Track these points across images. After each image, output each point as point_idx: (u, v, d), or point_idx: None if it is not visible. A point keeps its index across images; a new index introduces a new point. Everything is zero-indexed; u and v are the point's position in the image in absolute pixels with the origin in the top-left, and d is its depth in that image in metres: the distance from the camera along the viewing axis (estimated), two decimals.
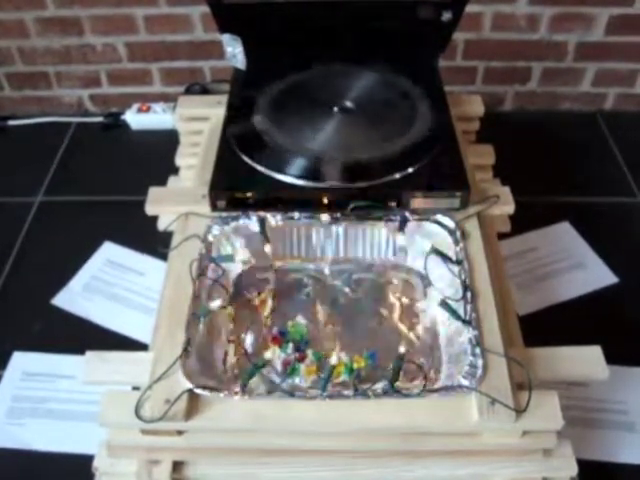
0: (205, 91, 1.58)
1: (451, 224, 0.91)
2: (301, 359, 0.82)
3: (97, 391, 0.76)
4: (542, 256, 1.25)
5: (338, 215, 0.92)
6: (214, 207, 0.92)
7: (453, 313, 0.82)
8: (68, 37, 1.52)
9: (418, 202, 0.91)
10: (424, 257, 0.90)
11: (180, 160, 1.15)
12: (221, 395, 0.74)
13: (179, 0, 1.46)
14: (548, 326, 1.08)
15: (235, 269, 0.94)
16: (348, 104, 1.03)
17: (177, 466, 0.78)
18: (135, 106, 1.59)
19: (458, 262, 0.87)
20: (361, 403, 0.74)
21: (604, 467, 0.96)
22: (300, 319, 0.88)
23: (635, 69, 1.55)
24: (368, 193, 0.91)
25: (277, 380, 0.79)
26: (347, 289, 0.94)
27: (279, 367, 0.82)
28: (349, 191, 0.91)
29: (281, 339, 0.85)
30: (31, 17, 1.48)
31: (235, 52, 1.10)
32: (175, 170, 1.16)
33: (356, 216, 0.92)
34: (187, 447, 0.77)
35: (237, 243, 0.93)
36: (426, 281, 0.90)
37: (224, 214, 0.93)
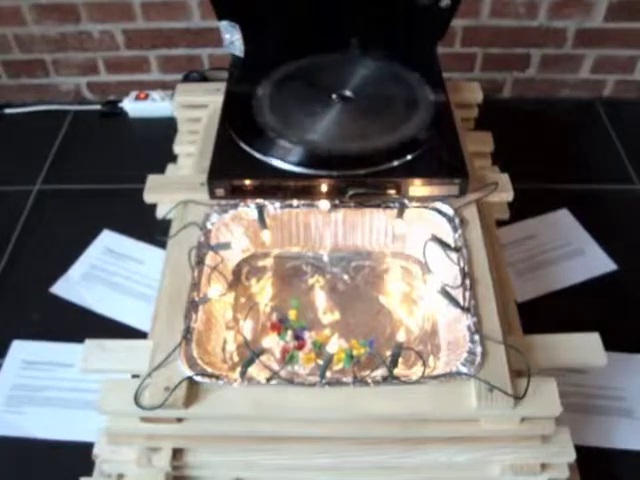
0: (203, 79, 1.57)
1: (450, 211, 0.91)
2: (300, 347, 0.83)
3: (96, 379, 0.76)
4: (541, 243, 1.25)
5: (337, 202, 0.92)
6: (213, 195, 0.92)
7: (452, 300, 0.82)
8: (65, 24, 1.51)
9: (417, 189, 0.91)
10: (423, 244, 0.90)
11: (178, 148, 1.15)
12: (220, 382, 0.74)
13: None
14: (547, 313, 1.08)
15: (234, 257, 0.94)
16: (347, 92, 1.02)
17: (177, 453, 0.78)
18: (133, 94, 1.59)
19: (457, 249, 0.87)
20: (360, 390, 0.74)
21: (602, 453, 0.96)
22: (299, 307, 0.88)
23: (635, 56, 1.54)
24: (367, 180, 0.91)
25: (276, 367, 0.79)
26: (346, 276, 0.94)
27: (278, 355, 0.82)
28: (348, 178, 0.91)
29: (280, 326, 0.85)
30: (27, 4, 1.47)
31: (233, 39, 1.10)
32: (173, 158, 1.16)
33: (355, 203, 0.92)
34: (187, 434, 0.77)
35: (236, 231, 0.93)
36: (425, 268, 0.91)
37: (223, 202, 0.92)
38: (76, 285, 1.21)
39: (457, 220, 0.90)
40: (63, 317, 1.16)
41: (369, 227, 0.95)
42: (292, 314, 0.87)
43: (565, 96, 1.62)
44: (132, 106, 1.58)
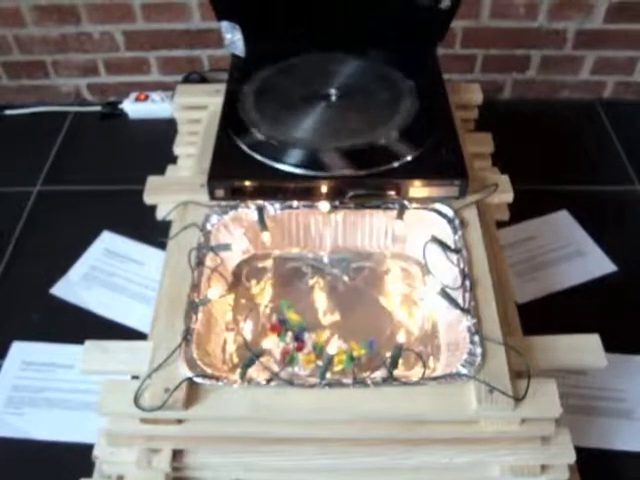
0: (203, 80, 1.57)
1: (450, 212, 0.91)
2: (300, 348, 0.83)
3: (96, 380, 0.76)
4: (541, 244, 1.25)
5: (337, 204, 0.92)
6: (212, 196, 0.92)
7: (452, 301, 0.82)
8: (65, 25, 1.51)
9: (417, 190, 0.91)
10: (423, 245, 0.90)
11: (178, 149, 1.15)
12: (220, 384, 0.74)
13: None
14: (547, 314, 1.09)
15: (234, 258, 0.94)
16: (347, 92, 1.02)
17: (177, 454, 0.78)
18: (133, 95, 1.59)
19: (457, 250, 0.87)
20: (360, 391, 0.74)
21: (602, 454, 0.96)
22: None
23: (634, 57, 1.54)
24: (367, 181, 0.91)
25: (276, 369, 0.79)
26: (346, 277, 0.94)
27: (278, 356, 0.82)
28: (348, 180, 0.91)
29: (280, 327, 0.85)
30: (27, 5, 1.47)
31: (234, 39, 1.10)
32: (173, 159, 1.15)
33: (355, 205, 0.92)
34: (186, 436, 0.77)
35: (236, 232, 0.93)
36: (425, 269, 0.90)
37: (223, 203, 0.92)
38: (76, 286, 1.21)
39: (457, 221, 0.90)
40: (63, 318, 1.16)
41: (369, 228, 0.95)
42: (292, 315, 0.86)
43: (565, 97, 1.62)
44: (132, 107, 1.58)
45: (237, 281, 0.93)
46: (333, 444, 0.78)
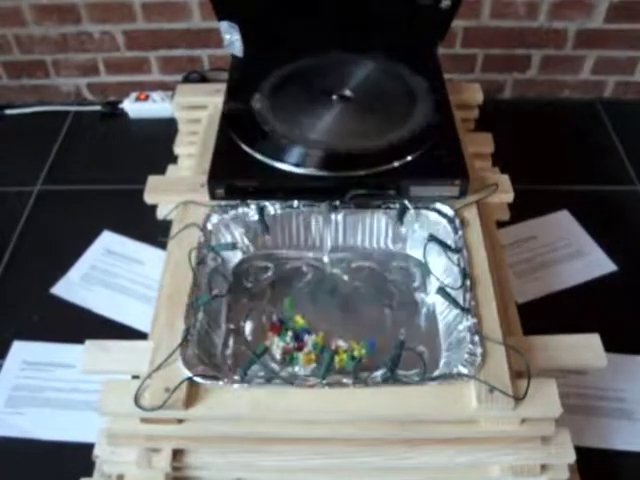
0: (203, 79, 1.57)
1: (450, 212, 0.91)
2: (300, 348, 0.82)
3: (97, 380, 0.76)
4: (541, 244, 1.25)
5: (337, 203, 0.92)
6: (213, 196, 0.92)
7: (452, 301, 0.82)
8: (65, 25, 1.51)
9: (417, 190, 0.91)
10: (423, 245, 0.90)
11: (179, 149, 1.15)
12: (220, 383, 0.74)
13: None
14: (547, 314, 1.08)
15: (234, 258, 0.94)
16: (347, 92, 1.03)
17: (177, 454, 0.78)
18: (133, 95, 1.59)
19: (457, 250, 0.87)
20: (360, 391, 0.74)
21: (602, 454, 0.96)
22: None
23: (635, 57, 1.54)
24: (367, 181, 0.90)
25: (276, 368, 0.79)
26: (346, 277, 0.94)
27: (278, 356, 0.82)
28: (348, 179, 0.90)
29: (280, 327, 0.85)
30: (28, 4, 1.47)
31: (233, 40, 1.10)
32: (174, 159, 1.16)
33: (355, 204, 0.92)
34: (187, 435, 0.77)
35: (236, 232, 0.93)
36: (425, 269, 0.91)
37: (223, 203, 0.92)
38: (76, 286, 1.21)
39: (457, 221, 0.90)
40: (63, 318, 1.16)
41: (369, 228, 0.95)
42: (296, 318, 0.86)
43: (565, 97, 1.62)
44: (132, 107, 1.58)
45: (237, 281, 0.93)
46: (333, 444, 0.78)
